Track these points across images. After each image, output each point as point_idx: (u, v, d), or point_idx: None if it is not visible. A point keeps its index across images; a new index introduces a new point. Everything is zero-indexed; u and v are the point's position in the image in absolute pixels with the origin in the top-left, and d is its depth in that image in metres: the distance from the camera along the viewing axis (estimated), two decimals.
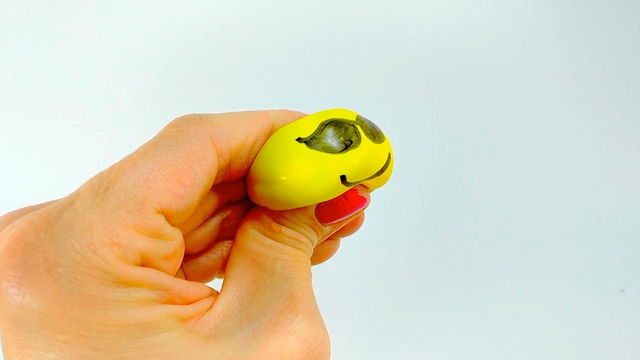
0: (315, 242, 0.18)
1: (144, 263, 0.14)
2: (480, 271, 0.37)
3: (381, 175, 0.18)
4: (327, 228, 0.18)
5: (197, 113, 0.16)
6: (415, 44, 0.45)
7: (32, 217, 0.13)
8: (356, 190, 0.18)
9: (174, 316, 0.14)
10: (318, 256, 0.21)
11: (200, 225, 0.19)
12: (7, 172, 0.40)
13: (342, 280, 0.36)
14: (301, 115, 0.18)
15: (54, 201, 0.14)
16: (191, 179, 0.15)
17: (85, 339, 0.12)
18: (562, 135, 0.42)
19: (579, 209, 0.39)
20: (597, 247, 0.38)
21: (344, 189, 0.17)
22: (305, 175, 0.16)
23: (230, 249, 0.18)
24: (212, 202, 0.19)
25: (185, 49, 0.45)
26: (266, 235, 0.17)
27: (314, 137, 0.16)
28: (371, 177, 0.17)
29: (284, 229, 0.17)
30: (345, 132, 0.16)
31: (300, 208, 0.17)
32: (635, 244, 0.38)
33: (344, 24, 0.46)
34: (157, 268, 0.14)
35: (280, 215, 0.18)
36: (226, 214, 0.20)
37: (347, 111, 0.17)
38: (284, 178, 0.16)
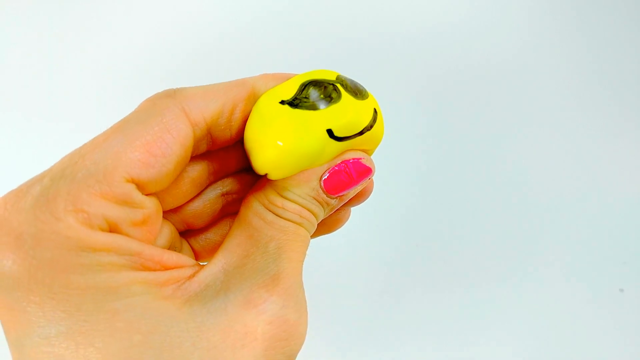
0: (321, 216, 0.18)
1: (112, 229, 0.14)
2: (479, 271, 0.37)
3: (372, 132, 0.18)
4: (334, 201, 0.18)
5: (172, 88, 0.17)
6: (414, 42, 0.45)
7: (6, 195, 0.14)
8: (359, 159, 0.18)
9: (142, 282, 0.14)
10: (327, 226, 0.21)
11: (197, 196, 0.19)
12: (6, 172, 0.39)
13: (341, 279, 0.36)
14: (282, 76, 0.18)
15: (28, 180, 0.15)
16: (162, 149, 0.15)
17: (53, 301, 0.13)
18: (562, 135, 0.42)
19: (578, 209, 0.39)
20: (597, 247, 0.38)
21: (336, 144, 0.17)
22: (292, 134, 0.16)
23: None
24: (202, 171, 0.19)
25: (184, 50, 0.45)
26: (268, 209, 0.17)
27: (295, 97, 0.17)
28: (362, 133, 0.17)
29: (286, 204, 0.17)
30: (324, 90, 0.17)
31: (303, 179, 0.17)
32: (635, 244, 0.38)
33: (344, 24, 0.46)
34: (126, 235, 0.15)
35: (284, 188, 0.18)
36: (227, 187, 0.20)
37: (328, 71, 0.18)
38: (272, 141, 0.16)
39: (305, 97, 0.17)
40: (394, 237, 0.38)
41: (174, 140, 0.15)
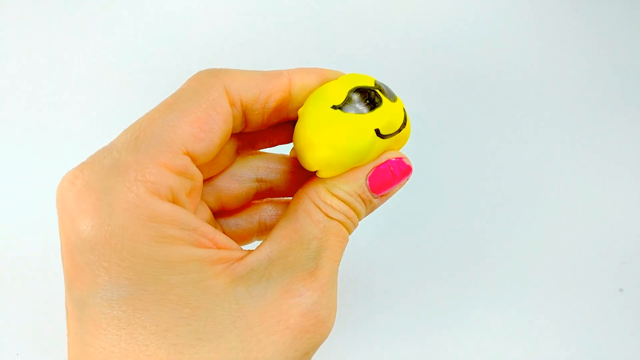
0: (363, 215, 0.20)
1: (174, 200, 0.16)
2: (478, 271, 0.37)
3: (405, 130, 0.20)
4: (376, 200, 0.20)
5: (216, 68, 0.18)
6: (419, 43, 0.45)
7: (80, 166, 0.15)
8: (401, 158, 0.20)
9: (197, 260, 0.16)
10: None
11: (234, 177, 0.21)
12: (6, 173, 0.40)
13: (340, 279, 0.36)
14: (317, 71, 0.20)
15: (96, 152, 0.16)
16: (209, 124, 0.17)
17: (120, 268, 0.14)
18: (561, 134, 0.42)
19: (577, 208, 0.39)
20: (596, 247, 0.38)
21: (381, 142, 0.19)
22: (345, 134, 0.19)
23: (267, 214, 0.21)
24: (232, 146, 0.21)
25: (185, 50, 0.45)
26: (318, 207, 0.19)
27: (345, 103, 0.19)
28: (399, 131, 0.20)
29: (334, 201, 0.19)
30: (369, 96, 0.19)
31: (351, 177, 0.19)
32: (635, 244, 0.38)
33: (346, 24, 0.46)
34: (182, 205, 0.16)
35: (333, 185, 0.19)
36: (262, 174, 0.22)
37: (366, 77, 0.20)
38: (326, 141, 0.19)
39: (354, 103, 0.19)
40: (394, 237, 0.38)
41: (219, 116, 0.17)
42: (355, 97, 0.19)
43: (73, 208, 0.15)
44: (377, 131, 0.19)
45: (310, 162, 0.19)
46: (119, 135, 0.16)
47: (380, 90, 0.20)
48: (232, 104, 0.18)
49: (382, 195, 0.20)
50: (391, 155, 0.20)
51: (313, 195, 0.19)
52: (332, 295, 0.18)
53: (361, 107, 0.19)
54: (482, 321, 0.36)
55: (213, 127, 0.17)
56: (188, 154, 0.16)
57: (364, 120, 0.19)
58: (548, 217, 0.39)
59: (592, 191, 0.40)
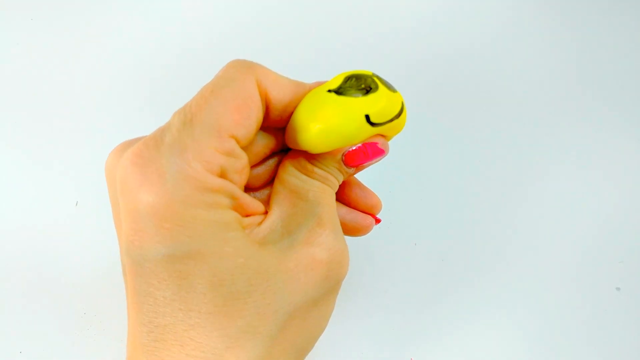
0: (340, 180, 0.23)
1: (222, 176, 0.19)
2: (476, 270, 0.37)
3: (399, 121, 0.21)
4: (351, 170, 0.23)
5: (248, 61, 0.20)
6: (417, 42, 0.45)
7: (145, 140, 0.18)
8: (376, 143, 0.22)
9: (238, 221, 0.19)
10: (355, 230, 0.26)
11: (261, 163, 0.24)
12: (7, 173, 0.40)
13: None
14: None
15: (154, 131, 0.19)
16: (247, 112, 0.19)
17: (181, 228, 0.17)
18: (560, 133, 0.42)
19: (575, 207, 0.40)
20: (593, 246, 0.38)
21: (369, 128, 0.20)
22: (336, 116, 0.20)
23: (273, 182, 0.24)
24: (269, 142, 0.23)
25: (184, 50, 0.45)
26: (301, 172, 0.22)
27: (341, 86, 0.20)
28: (391, 121, 0.21)
29: (315, 169, 0.22)
30: (365, 81, 0.20)
31: (329, 154, 0.22)
32: (632, 243, 0.38)
33: (345, 24, 0.46)
34: (231, 180, 0.19)
35: (313, 157, 0.22)
36: (279, 159, 0.25)
37: (364, 70, 0.21)
38: (317, 121, 0.20)
39: (349, 87, 0.20)
40: (393, 237, 0.38)
41: (254, 105, 0.19)
42: (352, 82, 0.20)
43: (138, 179, 0.17)
44: (367, 117, 0.20)
45: (300, 141, 0.20)
46: (172, 117, 0.19)
47: (378, 79, 0.21)
48: (261, 97, 0.20)
49: (356, 167, 0.23)
50: (368, 140, 0.22)
51: (296, 165, 0.22)
52: (340, 232, 0.22)
53: (355, 92, 0.20)
54: (481, 320, 0.36)
55: (251, 114, 0.19)
56: (233, 137, 0.19)
57: (356, 104, 0.20)
58: (545, 217, 0.39)
59: (590, 190, 0.40)
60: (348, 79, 0.20)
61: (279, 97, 0.20)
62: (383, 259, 0.37)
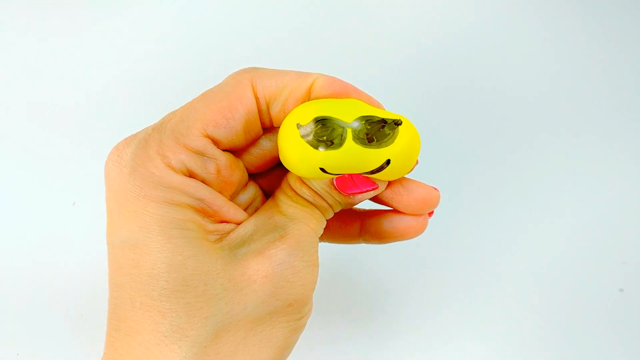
0: (336, 206, 0.22)
1: (190, 175, 0.19)
2: (478, 271, 0.37)
3: (386, 171, 0.19)
4: (349, 198, 0.21)
5: (252, 67, 0.20)
6: (418, 43, 0.45)
7: (126, 138, 0.19)
8: (362, 175, 0.20)
9: (195, 222, 0.19)
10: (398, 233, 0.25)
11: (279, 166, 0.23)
12: (4, 173, 0.40)
13: (340, 279, 0.36)
14: (342, 86, 0.20)
15: (142, 129, 0.19)
16: (232, 112, 0.19)
17: (136, 216, 0.18)
18: (561, 133, 0.42)
19: (577, 208, 0.39)
20: (596, 247, 0.38)
21: (330, 176, 0.19)
22: (295, 158, 0.19)
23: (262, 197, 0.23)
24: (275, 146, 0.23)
25: (183, 52, 0.45)
26: (291, 188, 0.21)
27: (305, 128, 0.19)
28: (372, 173, 0.19)
29: (303, 188, 0.21)
30: (330, 133, 0.18)
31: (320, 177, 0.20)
32: (635, 244, 0.38)
33: (347, 28, 0.46)
34: (203, 180, 0.19)
35: (304, 178, 0.21)
36: None
37: (357, 104, 0.19)
38: (282, 155, 0.20)
39: (312, 134, 0.18)
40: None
41: (242, 106, 0.19)
42: (317, 128, 0.18)
43: (110, 169, 0.18)
44: (323, 170, 0.19)
45: (282, 160, 0.20)
46: (162, 117, 0.20)
47: (353, 131, 0.18)
48: (257, 97, 0.20)
49: (351, 195, 0.21)
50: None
51: (289, 181, 0.22)
52: (309, 252, 0.20)
53: (315, 141, 0.18)
54: (482, 320, 0.36)
55: (235, 115, 0.19)
56: (208, 137, 0.19)
57: (312, 155, 0.18)
58: (548, 218, 0.39)
59: (592, 191, 0.40)
60: (316, 121, 0.18)
61: (277, 90, 0.20)
62: (383, 259, 0.37)
